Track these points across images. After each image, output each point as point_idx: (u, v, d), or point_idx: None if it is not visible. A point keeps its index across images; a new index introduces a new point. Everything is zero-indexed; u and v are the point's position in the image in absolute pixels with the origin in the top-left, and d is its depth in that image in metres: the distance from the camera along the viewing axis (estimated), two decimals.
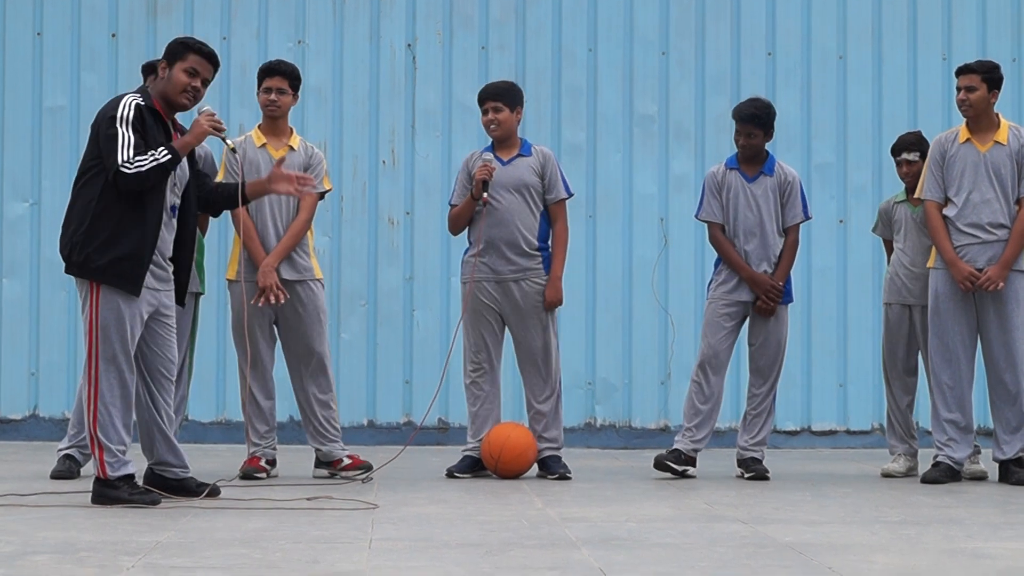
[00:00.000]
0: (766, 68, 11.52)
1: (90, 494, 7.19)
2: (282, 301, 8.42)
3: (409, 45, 11.47)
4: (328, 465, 8.64)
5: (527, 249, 8.75)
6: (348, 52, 11.42)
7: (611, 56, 11.50)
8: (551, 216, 8.85)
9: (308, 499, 7.40)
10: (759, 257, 8.84)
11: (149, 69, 8.24)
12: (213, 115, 7.31)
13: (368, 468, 8.53)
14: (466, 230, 8.92)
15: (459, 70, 11.43)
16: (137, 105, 7.08)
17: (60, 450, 8.49)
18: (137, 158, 6.97)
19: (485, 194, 8.66)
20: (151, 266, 7.13)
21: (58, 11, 11.35)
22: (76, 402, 8.48)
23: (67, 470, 8.38)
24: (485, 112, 8.84)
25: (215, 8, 11.38)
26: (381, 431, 11.01)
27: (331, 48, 11.38)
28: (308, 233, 8.64)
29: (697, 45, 11.53)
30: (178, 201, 7.27)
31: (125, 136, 6.99)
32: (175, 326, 7.38)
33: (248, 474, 8.37)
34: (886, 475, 9.02)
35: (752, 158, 8.93)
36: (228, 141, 7.52)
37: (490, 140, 8.92)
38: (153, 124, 7.13)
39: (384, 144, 11.40)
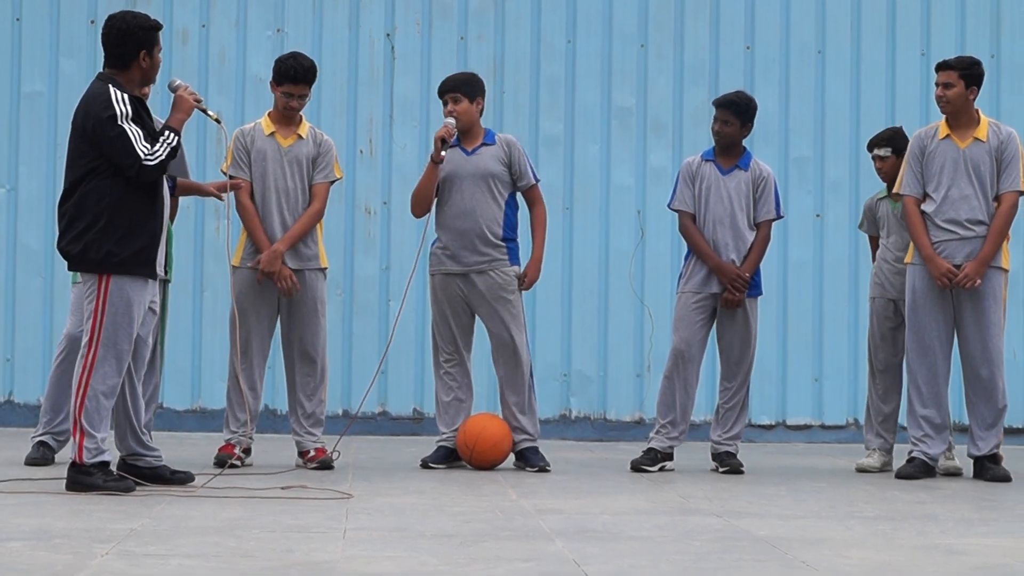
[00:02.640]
0: (744, 62, 11.53)
1: (64, 480, 7.18)
2: (293, 293, 8.46)
3: (388, 35, 11.45)
4: (301, 454, 8.65)
5: (492, 239, 8.74)
6: (327, 41, 11.40)
7: (589, 48, 11.49)
8: (528, 201, 8.86)
9: (283, 488, 7.39)
10: (727, 248, 8.84)
11: None
12: (188, 86, 7.39)
13: (328, 465, 8.50)
14: (432, 217, 8.86)
15: (438, 60, 11.42)
16: (129, 98, 7.13)
17: (34, 437, 8.47)
18: (154, 149, 7.10)
19: (443, 152, 8.64)
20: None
21: None
22: (48, 388, 8.45)
23: (41, 457, 8.35)
24: (445, 103, 8.83)
25: None
26: (355, 420, 10.99)
27: (310, 37, 11.35)
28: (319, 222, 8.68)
29: (675, 38, 11.53)
30: (170, 180, 7.45)
31: (132, 131, 7.07)
32: (157, 313, 7.52)
33: (222, 460, 8.35)
34: (861, 470, 9.04)
35: (728, 149, 8.93)
36: (210, 112, 7.58)
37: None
38: (141, 111, 7.21)
39: (362, 133, 11.39)
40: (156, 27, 7.29)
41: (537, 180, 8.90)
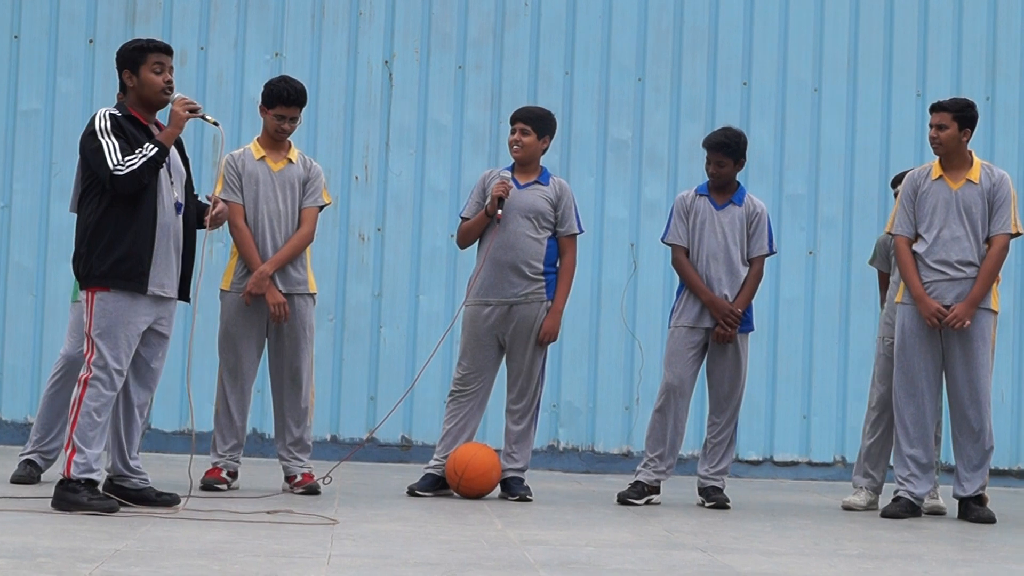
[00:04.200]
0: (741, 97, 11.56)
1: (51, 499, 7.19)
2: (283, 321, 8.46)
3: (386, 62, 11.48)
4: (287, 479, 8.65)
5: (530, 273, 8.77)
6: (325, 66, 11.42)
7: (587, 80, 11.52)
8: (560, 248, 8.87)
9: (268, 512, 7.38)
10: (721, 283, 8.86)
11: None
12: (185, 98, 7.36)
13: (315, 490, 8.50)
14: (476, 246, 8.92)
15: (435, 88, 11.44)
16: (111, 115, 7.21)
17: (22, 455, 8.46)
18: (127, 159, 7.12)
19: (499, 211, 8.67)
20: (159, 272, 7.24)
21: (36, 15, 11.33)
22: (41, 408, 8.46)
23: (27, 475, 8.34)
24: (513, 132, 8.85)
25: (193, 17, 11.38)
26: (344, 447, 10.99)
27: (308, 62, 11.38)
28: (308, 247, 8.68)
29: (673, 72, 11.57)
30: (181, 199, 7.38)
31: (109, 144, 7.13)
32: (169, 337, 7.47)
33: (208, 484, 8.35)
34: (847, 508, 9.04)
35: (723, 187, 8.97)
36: (208, 117, 7.55)
37: (511, 162, 8.94)
38: (133, 129, 7.24)
39: (358, 160, 11.40)
40: (142, 47, 7.31)
41: (580, 231, 8.92)
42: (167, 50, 7.36)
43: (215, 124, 7.63)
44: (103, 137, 7.13)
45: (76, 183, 8.12)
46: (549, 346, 8.91)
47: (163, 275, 7.27)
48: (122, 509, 7.18)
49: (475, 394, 8.83)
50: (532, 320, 8.79)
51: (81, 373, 7.18)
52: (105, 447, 7.41)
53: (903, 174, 9.28)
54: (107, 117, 7.18)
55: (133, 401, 7.39)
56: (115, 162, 7.09)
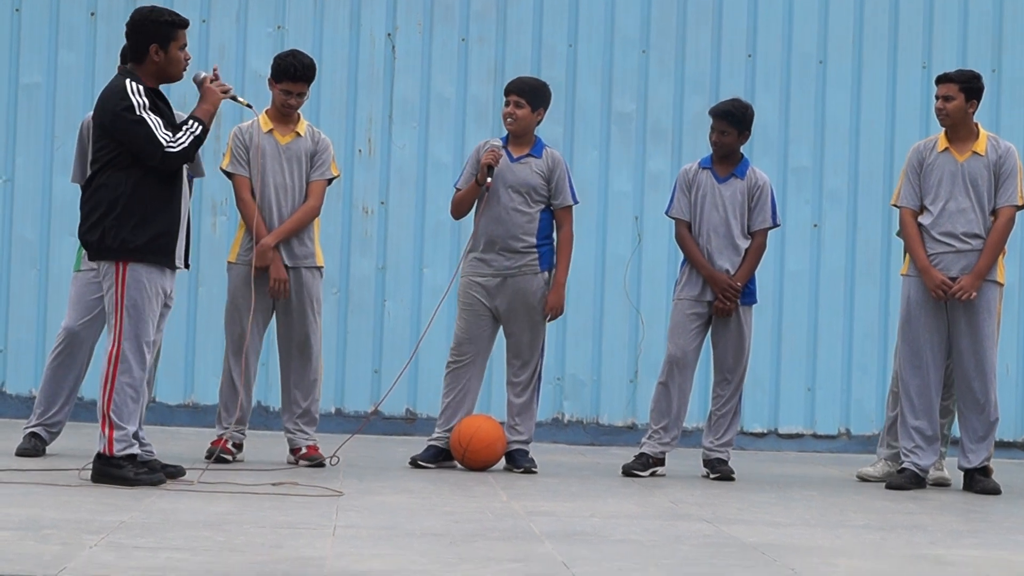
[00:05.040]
0: (746, 70, 11.53)
1: (78, 470, 7.31)
2: (280, 297, 8.45)
3: (389, 35, 11.44)
4: (292, 451, 8.65)
5: (520, 247, 8.75)
6: (327, 40, 11.38)
7: (591, 53, 11.49)
8: (557, 221, 8.86)
9: (273, 484, 7.39)
10: (721, 257, 8.85)
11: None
12: (218, 79, 7.41)
13: (320, 463, 8.50)
14: (471, 219, 8.91)
15: (438, 62, 11.41)
16: (145, 89, 7.17)
17: (27, 428, 8.46)
18: (178, 137, 7.14)
19: (489, 179, 8.65)
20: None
21: None
22: (44, 381, 8.45)
23: (32, 448, 8.34)
24: (507, 103, 8.83)
25: None
26: (349, 419, 10.98)
27: (310, 35, 11.34)
28: (315, 220, 8.66)
29: (677, 45, 11.53)
30: (189, 170, 7.47)
31: (153, 121, 7.12)
32: (171, 307, 7.55)
33: (213, 453, 8.33)
34: (862, 478, 9.04)
35: (725, 158, 8.94)
36: (240, 99, 7.67)
37: (505, 133, 8.93)
38: (159, 103, 7.25)
39: (361, 133, 11.38)
40: (174, 22, 7.26)
41: (575, 202, 8.89)
42: (187, 25, 7.37)
43: (248, 106, 7.78)
44: (144, 113, 7.10)
45: (81, 153, 8.13)
46: (548, 317, 8.89)
47: (180, 247, 7.34)
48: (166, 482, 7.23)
49: (471, 363, 8.82)
50: (528, 293, 8.77)
51: (110, 349, 7.13)
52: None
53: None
54: (141, 93, 7.14)
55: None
56: (166, 139, 7.09)
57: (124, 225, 7.11)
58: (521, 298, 8.77)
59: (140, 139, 7.09)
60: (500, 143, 8.78)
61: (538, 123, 8.88)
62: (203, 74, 7.44)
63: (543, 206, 8.82)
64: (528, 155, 8.83)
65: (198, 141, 7.21)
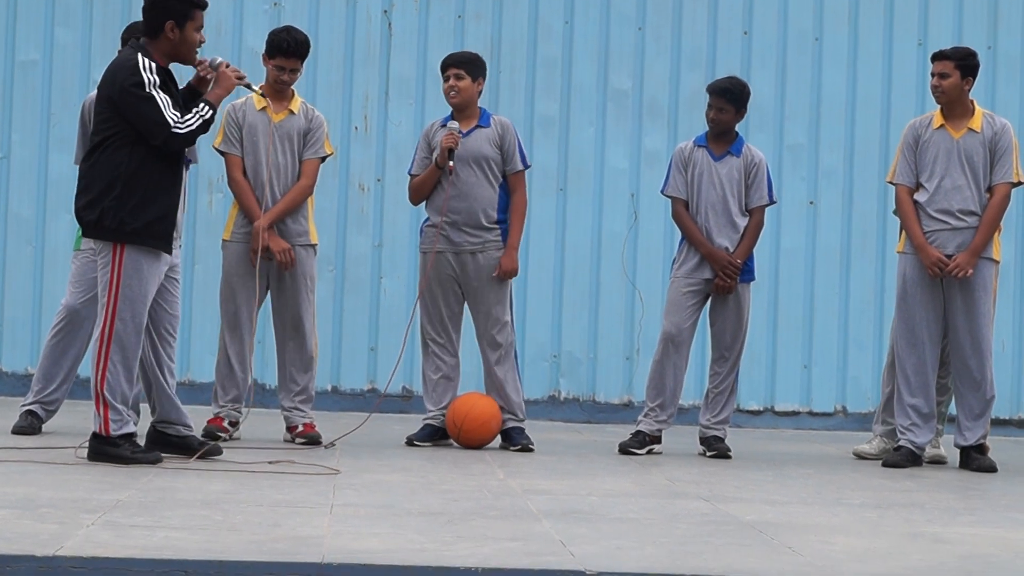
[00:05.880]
0: (742, 47, 11.51)
1: (74, 448, 7.32)
2: (289, 268, 8.44)
3: (385, 11, 11.42)
4: (289, 429, 8.65)
5: (486, 223, 8.75)
6: (324, 16, 11.36)
7: (587, 29, 11.47)
8: (509, 186, 8.85)
9: (270, 463, 7.39)
10: (720, 235, 8.85)
11: (132, 32, 8.12)
12: (229, 64, 7.39)
13: (316, 440, 8.50)
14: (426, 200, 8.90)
15: (435, 38, 11.39)
16: (156, 67, 7.10)
17: (23, 405, 8.46)
18: (185, 118, 7.09)
19: (451, 162, 8.64)
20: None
21: None
22: (42, 358, 8.44)
23: (29, 426, 8.34)
24: (447, 79, 8.84)
25: None
26: (345, 397, 10.99)
27: (307, 12, 11.32)
28: (309, 198, 8.65)
29: (673, 22, 11.51)
30: (189, 155, 7.45)
31: (162, 99, 7.05)
32: (180, 280, 7.59)
33: (211, 432, 8.34)
34: (858, 455, 9.05)
35: (721, 135, 8.93)
36: (254, 87, 7.69)
37: (450, 109, 8.91)
38: (168, 82, 7.19)
39: (357, 110, 11.36)
40: (193, 1, 7.18)
41: (526, 167, 8.89)
42: (205, 6, 7.32)
43: (262, 94, 7.86)
44: (153, 90, 7.03)
45: (83, 136, 8.08)
46: (523, 291, 8.86)
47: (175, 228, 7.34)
48: (163, 459, 7.24)
49: (446, 344, 8.81)
50: (491, 269, 8.75)
51: (102, 327, 7.11)
52: (142, 399, 7.51)
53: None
54: (152, 70, 7.08)
55: (162, 348, 7.43)
56: (174, 119, 7.04)
57: (123, 206, 7.05)
58: (484, 274, 8.74)
59: (147, 117, 7.03)
60: (456, 124, 8.77)
61: (479, 93, 8.88)
62: (219, 59, 7.42)
63: (501, 179, 8.81)
64: (477, 127, 8.83)
65: (206, 125, 7.15)
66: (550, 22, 11.45)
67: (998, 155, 8.63)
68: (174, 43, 7.19)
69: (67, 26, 11.25)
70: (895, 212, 9.43)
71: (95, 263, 8.19)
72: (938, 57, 8.70)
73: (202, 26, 7.26)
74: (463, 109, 8.83)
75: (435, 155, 8.75)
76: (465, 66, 8.82)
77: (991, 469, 8.56)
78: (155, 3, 7.20)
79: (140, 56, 7.10)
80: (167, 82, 7.16)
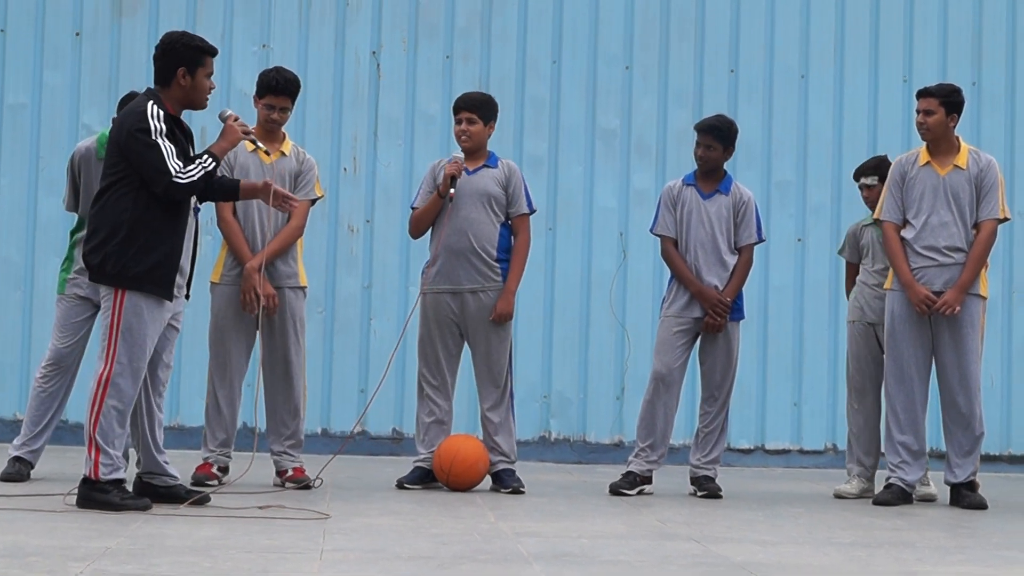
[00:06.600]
0: (728, 84, 11.56)
1: (63, 495, 7.28)
2: (272, 312, 8.44)
3: (374, 52, 11.46)
4: (279, 473, 8.64)
5: (487, 259, 8.75)
6: (312, 58, 11.39)
7: (575, 68, 11.51)
8: (513, 229, 8.85)
9: (260, 508, 7.37)
10: (709, 273, 8.86)
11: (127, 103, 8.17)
12: (238, 119, 7.43)
13: (306, 484, 8.48)
14: (428, 235, 8.90)
15: (423, 79, 11.43)
16: (164, 115, 7.13)
17: (11, 452, 8.43)
18: (188, 168, 7.10)
19: (452, 190, 8.65)
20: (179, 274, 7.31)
21: (22, 8, 11.29)
22: (30, 403, 8.42)
23: (16, 472, 8.31)
24: (459, 122, 8.84)
25: (180, 9, 11.34)
26: (335, 440, 10.98)
27: (295, 53, 11.35)
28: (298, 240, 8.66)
29: (660, 60, 11.56)
30: (198, 202, 7.43)
31: (167, 148, 7.07)
32: (179, 331, 7.57)
33: (199, 480, 8.33)
34: (838, 496, 9.04)
35: (709, 174, 8.95)
36: (260, 144, 7.76)
37: (459, 149, 8.92)
38: (176, 130, 7.22)
39: (346, 151, 11.38)
40: (204, 48, 7.26)
41: (531, 211, 8.90)
42: (216, 53, 7.38)
43: (266, 152, 7.93)
44: (159, 138, 7.06)
45: (72, 183, 8.17)
46: (512, 331, 8.85)
47: (179, 276, 7.32)
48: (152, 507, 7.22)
49: (440, 388, 8.81)
50: (489, 310, 8.76)
51: (100, 371, 7.10)
52: (131, 445, 7.49)
53: (860, 166, 9.30)
54: (160, 118, 7.11)
55: (152, 398, 7.42)
56: (176, 169, 7.05)
57: (126, 251, 7.07)
58: (484, 315, 8.75)
59: (150, 164, 7.04)
60: (462, 155, 8.79)
61: (490, 136, 8.90)
62: (229, 111, 7.47)
63: (503, 219, 8.82)
64: (484, 166, 8.85)
65: (208, 176, 7.16)
66: (538, 62, 11.49)
67: (984, 191, 8.66)
68: (186, 90, 7.24)
69: (56, 69, 11.27)
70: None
71: (80, 307, 8.25)
72: (923, 94, 8.74)
73: (212, 72, 7.31)
74: (473, 152, 8.84)
75: (438, 182, 8.75)
76: (478, 110, 8.82)
77: (981, 506, 8.56)
78: (166, 51, 7.25)
79: (150, 104, 7.14)
80: (174, 131, 7.18)
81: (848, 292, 9.39)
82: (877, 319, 9.04)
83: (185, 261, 7.34)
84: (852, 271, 9.37)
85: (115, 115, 8.14)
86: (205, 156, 7.19)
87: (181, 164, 7.08)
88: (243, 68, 11.25)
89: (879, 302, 9.02)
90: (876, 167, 9.22)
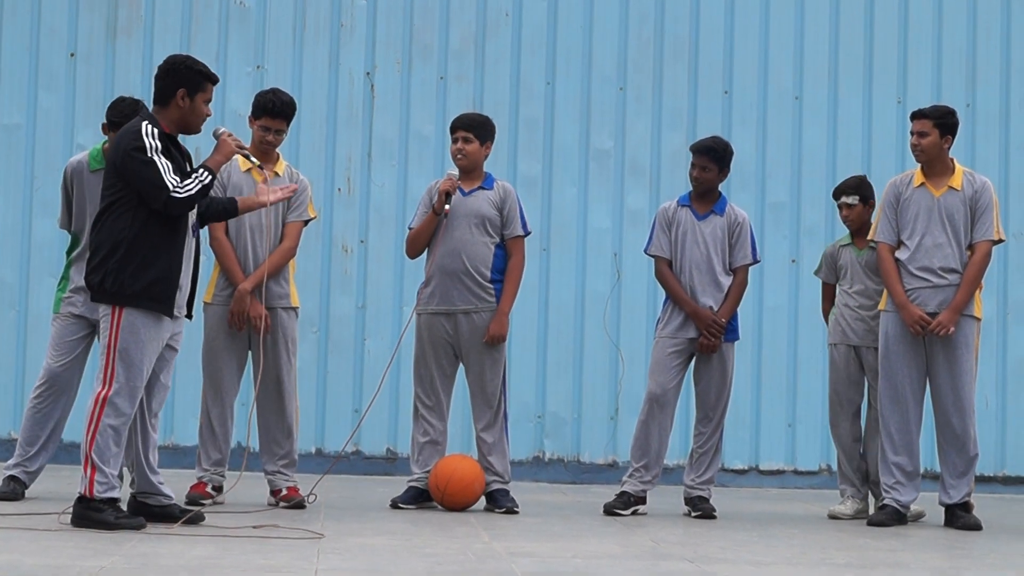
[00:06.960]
0: (722, 106, 11.58)
1: (58, 514, 7.26)
2: (266, 333, 8.43)
3: (368, 73, 11.47)
4: (273, 493, 8.63)
5: (480, 280, 8.75)
6: (307, 78, 11.41)
7: (569, 90, 11.53)
8: (508, 251, 8.85)
9: (254, 527, 7.37)
10: (704, 294, 8.87)
11: (115, 110, 8.21)
12: (231, 134, 7.46)
13: (300, 504, 8.47)
14: (424, 257, 8.90)
15: (417, 100, 11.44)
16: (160, 133, 7.17)
17: (6, 471, 8.42)
18: (185, 183, 7.13)
19: (447, 207, 8.65)
20: (179, 293, 7.30)
21: (17, 29, 11.31)
22: (24, 422, 8.41)
23: (11, 491, 8.30)
24: (455, 140, 8.84)
25: (175, 31, 11.35)
26: (329, 459, 10.96)
27: (290, 74, 11.37)
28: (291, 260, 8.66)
29: (654, 81, 11.58)
30: (195, 220, 7.43)
31: (163, 164, 7.11)
32: (178, 351, 7.51)
33: (194, 500, 8.33)
34: (833, 517, 9.04)
35: (704, 195, 8.97)
36: (253, 159, 7.83)
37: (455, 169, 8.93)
38: (172, 148, 7.26)
39: (340, 172, 11.39)
40: (206, 75, 7.32)
41: (526, 233, 8.90)
42: (217, 81, 7.44)
43: (260, 167, 7.93)
44: (155, 155, 7.09)
45: (66, 199, 8.19)
46: (506, 352, 8.85)
47: (179, 295, 7.31)
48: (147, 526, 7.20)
49: (435, 408, 8.81)
50: (484, 331, 8.76)
51: (98, 390, 7.11)
52: (127, 465, 7.47)
53: (840, 185, 9.29)
54: (155, 136, 7.15)
55: (148, 418, 7.41)
56: (174, 184, 7.08)
57: (124, 268, 7.10)
58: (478, 336, 8.75)
59: (147, 180, 7.08)
60: (457, 172, 8.80)
61: (486, 157, 8.91)
62: (222, 129, 7.52)
63: (498, 240, 8.83)
64: (479, 188, 8.85)
65: (205, 190, 7.20)
66: (532, 83, 11.51)
67: (978, 213, 8.68)
68: (183, 111, 7.28)
69: (50, 90, 11.28)
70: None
71: (75, 326, 8.25)
72: (917, 116, 8.76)
73: (211, 99, 7.36)
74: (469, 171, 8.84)
75: (432, 199, 8.76)
76: (474, 130, 8.83)
77: (976, 527, 8.55)
78: (169, 71, 7.31)
79: (145, 123, 7.19)
80: (170, 148, 7.22)
81: (825, 313, 9.38)
82: (860, 341, 9.03)
83: (185, 279, 7.33)
84: (829, 292, 9.35)
85: (104, 121, 8.21)
86: (201, 170, 7.22)
87: (178, 179, 7.10)
88: (237, 89, 11.26)
89: (861, 324, 9.02)
90: (856, 187, 9.22)
